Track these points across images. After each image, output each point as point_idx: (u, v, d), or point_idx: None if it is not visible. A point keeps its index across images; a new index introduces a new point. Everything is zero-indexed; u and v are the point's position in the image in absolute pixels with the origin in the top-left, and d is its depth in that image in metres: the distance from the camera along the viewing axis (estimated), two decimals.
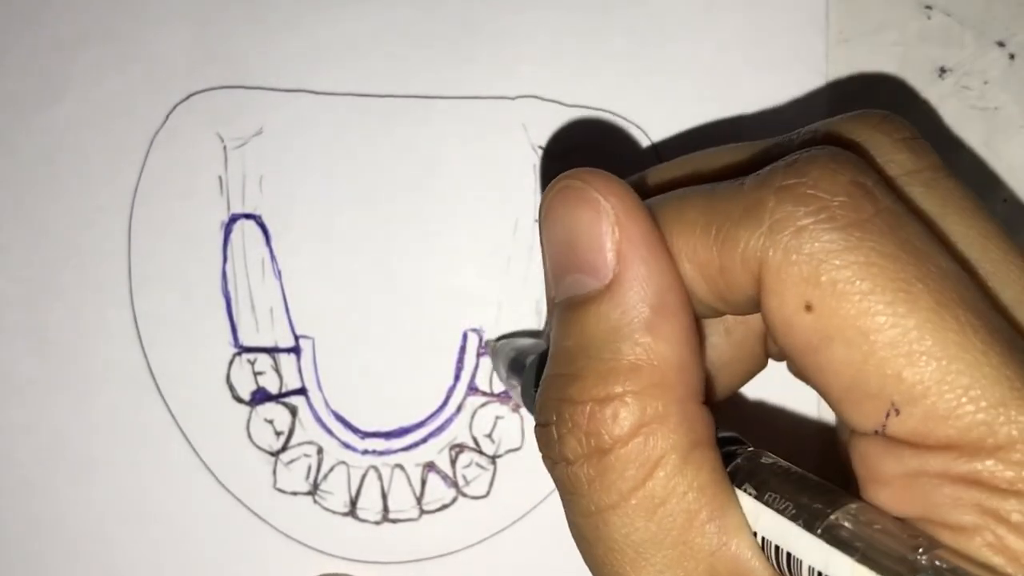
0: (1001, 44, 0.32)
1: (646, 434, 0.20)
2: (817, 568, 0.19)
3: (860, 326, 0.19)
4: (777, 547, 0.20)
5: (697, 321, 0.22)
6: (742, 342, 0.25)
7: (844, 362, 0.19)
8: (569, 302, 0.21)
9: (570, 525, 0.22)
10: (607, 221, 0.21)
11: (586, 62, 0.32)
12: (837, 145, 0.21)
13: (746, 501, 0.21)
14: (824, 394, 0.20)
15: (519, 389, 0.28)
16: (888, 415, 0.19)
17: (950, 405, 0.18)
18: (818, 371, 0.20)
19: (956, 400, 0.18)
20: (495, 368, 0.31)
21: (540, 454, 0.22)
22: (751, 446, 0.22)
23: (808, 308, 0.19)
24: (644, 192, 0.23)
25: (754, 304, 0.21)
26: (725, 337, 0.25)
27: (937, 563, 0.18)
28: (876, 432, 0.19)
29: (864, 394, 0.19)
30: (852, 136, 0.22)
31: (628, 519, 0.20)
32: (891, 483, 0.19)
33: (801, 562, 0.20)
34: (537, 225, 0.31)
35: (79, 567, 0.31)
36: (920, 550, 0.18)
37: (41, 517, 0.31)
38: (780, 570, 0.20)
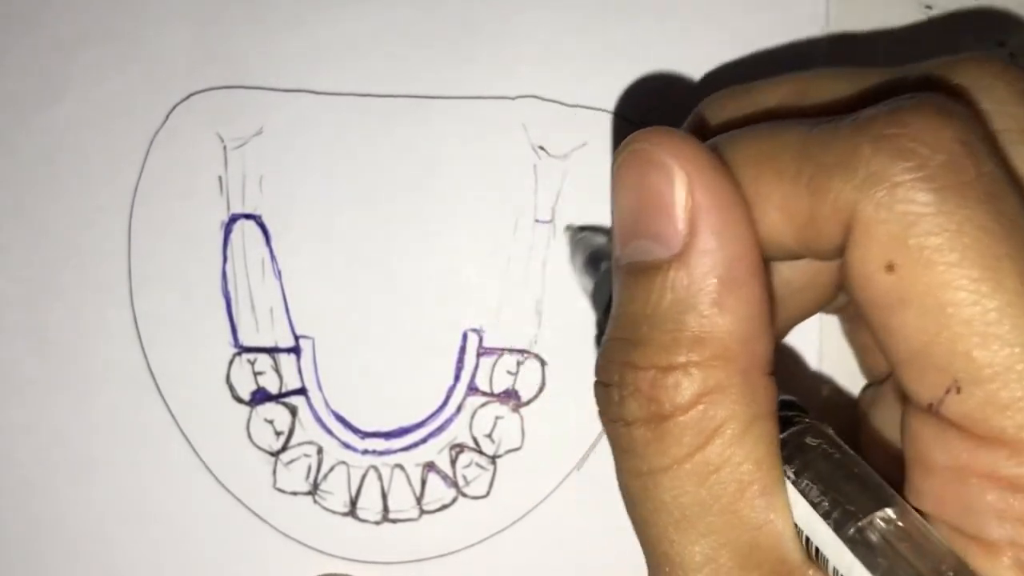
0: (1001, 44, 0.32)
1: (707, 403, 0.20)
2: (841, 572, 0.19)
3: (940, 297, 0.18)
4: (807, 537, 0.20)
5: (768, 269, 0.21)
6: (819, 268, 0.24)
7: (916, 328, 0.18)
8: (635, 266, 0.21)
9: (620, 484, 0.22)
10: (679, 189, 0.20)
11: (586, 62, 0.32)
12: (952, 87, 0.21)
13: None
14: (888, 354, 0.20)
15: (591, 287, 0.27)
16: (948, 391, 0.18)
17: (1013, 395, 0.17)
18: (887, 331, 0.19)
19: (1021, 391, 0.17)
20: (571, 258, 0.30)
21: (597, 410, 0.22)
22: (807, 414, 0.22)
23: (890, 268, 0.19)
24: (732, 114, 0.22)
25: (839, 253, 0.20)
26: (796, 267, 0.24)
27: None
28: (930, 406, 0.19)
29: (929, 364, 0.18)
30: (970, 80, 0.21)
31: (679, 482, 0.20)
32: (938, 474, 0.19)
33: (828, 560, 0.20)
34: (537, 224, 0.31)
35: (79, 567, 0.31)
36: None
37: (41, 517, 0.31)
38: (811, 557, 0.20)
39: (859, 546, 0.19)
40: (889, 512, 0.19)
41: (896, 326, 0.19)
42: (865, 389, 0.28)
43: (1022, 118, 0.20)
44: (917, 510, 0.20)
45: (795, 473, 0.21)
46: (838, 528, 0.19)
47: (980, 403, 0.18)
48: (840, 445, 0.21)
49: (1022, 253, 0.18)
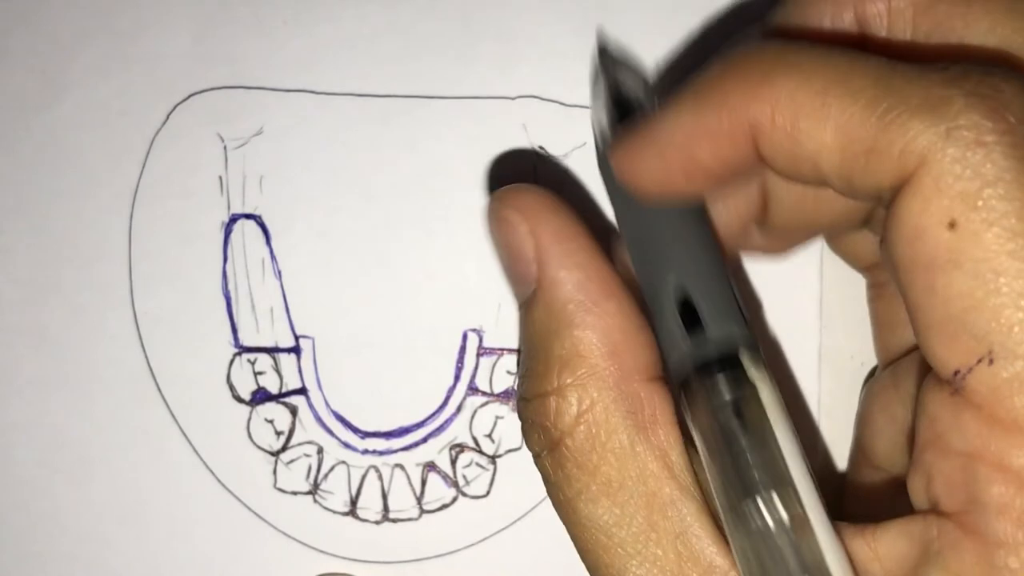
0: None
1: (587, 421, 0.21)
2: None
3: (995, 264, 0.18)
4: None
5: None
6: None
7: (961, 292, 0.18)
8: (519, 311, 0.23)
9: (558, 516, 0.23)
10: (522, 232, 0.22)
11: (586, 62, 0.32)
12: None
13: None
14: (920, 317, 0.19)
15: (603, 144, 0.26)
16: (980, 360, 0.18)
17: None
18: (928, 291, 0.19)
19: None
20: (592, 98, 0.28)
21: None
22: (752, 365, 0.21)
23: (952, 225, 0.18)
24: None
25: (879, 197, 0.20)
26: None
27: None
28: (956, 373, 0.18)
29: (965, 330, 0.18)
30: None
31: (593, 505, 0.21)
32: (950, 458, 0.19)
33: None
34: None
35: (79, 567, 0.31)
36: None
37: (41, 517, 0.31)
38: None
39: (737, 533, 0.19)
40: (758, 503, 0.19)
41: (940, 286, 0.18)
42: (871, 374, 0.28)
43: None
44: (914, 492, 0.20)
45: (697, 465, 0.21)
46: (732, 513, 0.20)
47: (1008, 379, 0.18)
48: (747, 420, 0.21)
49: None
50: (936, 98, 0.18)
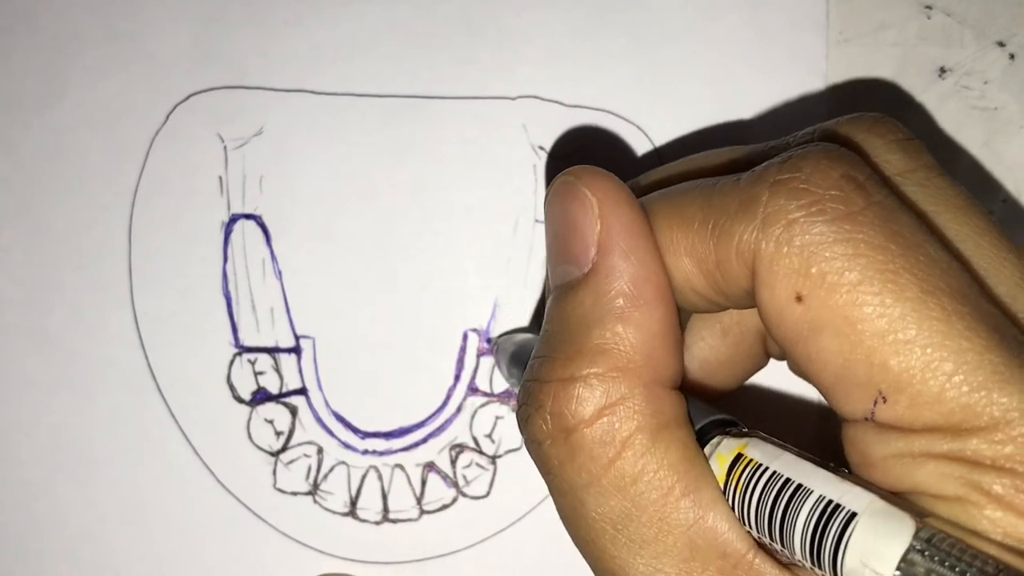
0: (1001, 44, 0.32)
1: (610, 415, 0.21)
2: (830, 498, 0.19)
3: (848, 316, 0.19)
4: (774, 501, 0.20)
5: (688, 316, 0.22)
6: (739, 342, 0.25)
7: (833, 352, 0.19)
8: (557, 290, 0.22)
9: (555, 506, 0.22)
10: (591, 214, 0.22)
11: (586, 62, 0.32)
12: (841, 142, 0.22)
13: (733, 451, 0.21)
14: (816, 383, 0.20)
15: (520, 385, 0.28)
16: (876, 402, 0.19)
17: (934, 391, 0.18)
18: (809, 361, 0.20)
19: (940, 386, 0.18)
20: (497, 364, 0.31)
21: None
22: (747, 427, 0.22)
23: (799, 299, 0.20)
24: (647, 190, 0.23)
25: (750, 297, 0.21)
26: (721, 338, 0.25)
27: (934, 530, 0.18)
28: (866, 419, 0.19)
29: (853, 383, 0.19)
30: (847, 138, 0.22)
31: (602, 498, 0.21)
32: (879, 465, 0.20)
33: (806, 498, 0.20)
34: (537, 224, 0.32)
35: (79, 567, 0.31)
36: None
37: (41, 517, 0.31)
38: (760, 529, 0.20)
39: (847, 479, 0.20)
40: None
41: (815, 353, 0.20)
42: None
43: (900, 163, 0.22)
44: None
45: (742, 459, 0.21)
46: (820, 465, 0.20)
47: (907, 405, 0.19)
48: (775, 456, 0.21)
49: (918, 264, 0.19)
50: (747, 199, 0.20)
